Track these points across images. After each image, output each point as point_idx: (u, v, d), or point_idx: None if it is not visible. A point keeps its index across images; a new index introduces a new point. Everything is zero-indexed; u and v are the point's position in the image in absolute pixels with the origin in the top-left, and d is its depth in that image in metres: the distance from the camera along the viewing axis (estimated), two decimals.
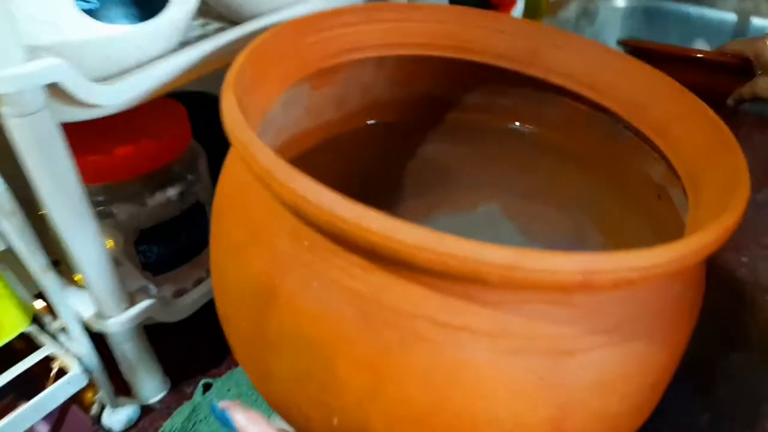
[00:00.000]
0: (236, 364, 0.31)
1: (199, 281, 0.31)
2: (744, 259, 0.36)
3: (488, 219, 0.30)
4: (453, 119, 0.29)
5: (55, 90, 0.19)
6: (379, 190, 0.31)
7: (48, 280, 0.25)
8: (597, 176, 0.26)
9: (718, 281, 0.35)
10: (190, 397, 0.30)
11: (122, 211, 0.27)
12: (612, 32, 0.74)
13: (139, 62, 0.22)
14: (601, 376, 0.16)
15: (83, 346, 0.27)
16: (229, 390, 0.30)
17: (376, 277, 0.15)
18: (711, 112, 0.20)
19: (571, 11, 0.68)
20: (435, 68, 0.27)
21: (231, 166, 0.20)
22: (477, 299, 0.15)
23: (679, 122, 0.20)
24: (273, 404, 0.20)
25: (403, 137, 0.30)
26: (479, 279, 0.14)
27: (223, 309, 0.20)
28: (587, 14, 0.71)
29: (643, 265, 0.14)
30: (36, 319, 0.30)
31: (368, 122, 0.29)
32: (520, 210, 0.29)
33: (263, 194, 0.17)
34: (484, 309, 0.15)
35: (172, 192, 0.27)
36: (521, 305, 0.15)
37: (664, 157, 0.21)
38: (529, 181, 0.29)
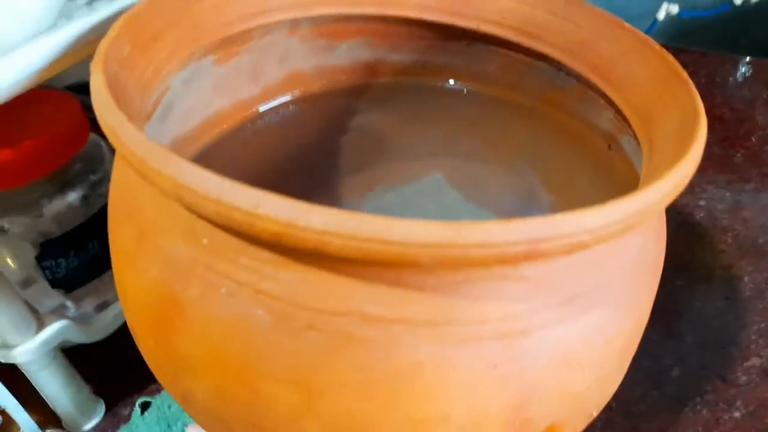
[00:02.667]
0: None
1: None
2: (701, 203, 0.35)
3: (434, 188, 0.27)
4: (384, 84, 0.27)
5: None
6: (313, 170, 0.28)
7: None
8: (543, 130, 0.24)
9: (676, 225, 0.34)
10: (127, 419, 0.27)
11: (16, 224, 0.23)
12: None
13: (13, 41, 0.18)
14: (562, 352, 0.14)
15: None
16: (170, 407, 0.27)
17: (289, 274, 0.13)
18: (656, 45, 0.18)
19: None
20: (357, 28, 0.25)
21: (117, 161, 0.17)
22: (411, 285, 0.13)
23: (623, 61, 0.18)
24: (204, 426, 0.18)
25: (333, 108, 0.27)
26: (409, 263, 0.12)
27: (131, 326, 0.17)
28: None
29: (596, 226, 0.12)
30: None
31: (291, 95, 0.26)
32: (466, 175, 0.27)
33: (149, 189, 0.14)
34: (421, 295, 0.13)
35: (73, 196, 0.24)
36: (463, 286, 0.13)
37: (611, 103, 0.19)
38: (473, 143, 0.26)
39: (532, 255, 0.12)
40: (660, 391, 0.26)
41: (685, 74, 0.16)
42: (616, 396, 0.18)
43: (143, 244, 0.15)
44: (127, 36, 0.17)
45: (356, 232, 0.11)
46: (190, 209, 0.13)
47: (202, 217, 0.13)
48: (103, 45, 0.16)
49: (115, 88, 0.15)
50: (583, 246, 0.13)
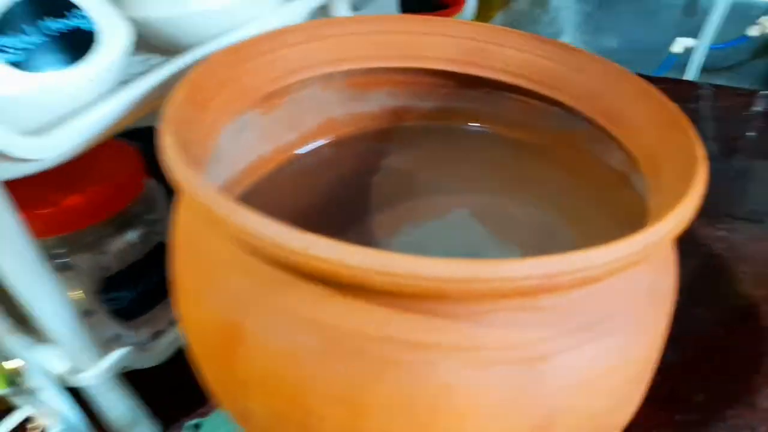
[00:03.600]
0: None
1: (174, 321, 0.30)
2: (720, 233, 0.36)
3: (459, 224, 0.29)
4: (411, 127, 0.29)
5: None
6: (347, 206, 0.30)
7: (13, 342, 0.24)
8: (560, 168, 0.26)
9: (694, 256, 0.35)
10: None
11: (83, 261, 0.26)
12: (567, 16, 0.75)
13: (76, 109, 0.21)
14: (581, 376, 0.16)
15: (61, 404, 0.26)
16: (219, 429, 0.29)
17: (336, 305, 0.15)
18: (658, 94, 0.19)
19: (523, 1, 0.68)
20: (384, 79, 0.27)
21: (179, 208, 0.19)
22: (444, 314, 0.14)
23: (629, 108, 0.20)
24: None
25: (364, 151, 0.29)
26: (439, 295, 0.14)
27: (192, 354, 0.20)
28: (540, 2, 0.71)
29: (604, 261, 0.14)
30: (13, 380, 0.29)
31: (326, 139, 0.28)
32: (490, 211, 0.29)
33: (212, 234, 0.16)
34: (452, 324, 0.15)
35: (132, 235, 0.27)
36: (489, 315, 0.15)
37: (620, 145, 0.21)
38: (495, 181, 0.28)
39: (547, 288, 0.14)
40: (684, 415, 0.27)
41: (685, 120, 0.18)
42: (641, 421, 0.19)
43: (206, 280, 0.17)
44: (188, 99, 0.19)
45: (393, 270, 0.13)
46: (250, 251, 0.15)
47: (259, 257, 0.15)
48: (170, 110, 0.18)
49: (181, 146, 0.17)
50: (593, 280, 0.14)
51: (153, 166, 0.29)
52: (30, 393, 0.28)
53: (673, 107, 0.19)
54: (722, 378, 0.29)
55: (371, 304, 0.14)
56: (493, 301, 0.14)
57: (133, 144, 0.30)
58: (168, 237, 0.25)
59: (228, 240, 0.16)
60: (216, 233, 0.16)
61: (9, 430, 0.27)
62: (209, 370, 0.18)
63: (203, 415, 0.30)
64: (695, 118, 0.18)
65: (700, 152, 0.17)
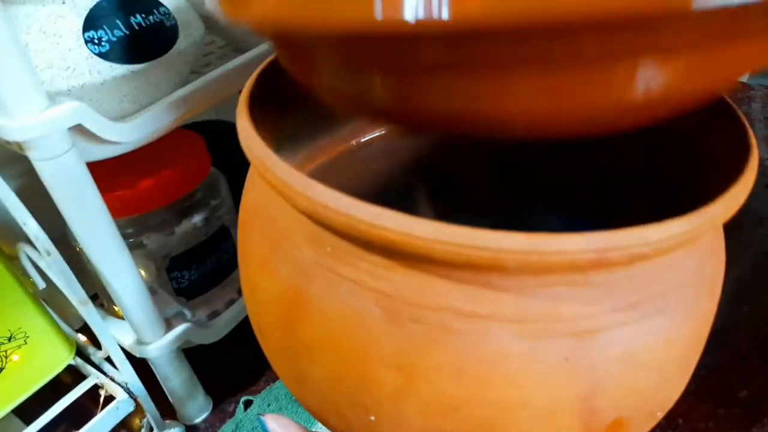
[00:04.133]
0: (274, 380, 0.32)
1: (231, 302, 0.32)
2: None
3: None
4: None
5: (78, 131, 0.21)
6: (395, 196, 0.31)
7: (88, 312, 0.26)
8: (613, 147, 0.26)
9: (744, 255, 0.35)
10: (232, 414, 0.31)
11: (152, 241, 0.28)
12: None
13: (154, 97, 0.23)
14: (626, 352, 0.17)
15: (127, 374, 0.28)
16: (269, 405, 0.30)
17: (398, 275, 0.16)
18: None
19: None
20: None
21: (251, 184, 0.21)
22: (499, 287, 0.15)
23: None
24: (310, 409, 0.21)
25: (415, 142, 0.30)
26: (498, 267, 0.14)
27: (256, 321, 0.21)
28: None
29: (655, 239, 0.14)
30: (80, 352, 0.31)
31: (378, 132, 0.30)
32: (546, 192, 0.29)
33: (284, 207, 0.18)
34: (506, 296, 0.15)
35: (197, 218, 0.29)
36: (542, 289, 0.15)
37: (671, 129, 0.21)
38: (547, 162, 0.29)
39: (598, 263, 0.14)
40: (727, 410, 0.27)
41: (734, 106, 0.19)
42: (684, 413, 0.19)
43: (275, 250, 0.18)
44: (257, 90, 0.21)
45: (456, 239, 0.14)
46: (320, 222, 0.16)
47: (328, 228, 0.16)
48: (243, 96, 0.20)
49: (256, 126, 0.19)
50: (643, 257, 0.15)
51: (216, 156, 0.31)
52: (99, 364, 0.30)
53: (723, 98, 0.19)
54: (765, 373, 0.29)
55: (430, 275, 0.16)
56: (546, 275, 0.15)
57: (200, 134, 0.32)
58: (229, 216, 0.26)
59: (299, 212, 0.17)
60: (285, 206, 0.17)
61: (77, 397, 0.29)
62: (271, 336, 0.20)
63: (254, 393, 0.32)
64: (746, 119, 0.18)
65: (752, 140, 0.18)
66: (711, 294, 0.19)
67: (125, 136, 0.22)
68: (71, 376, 0.31)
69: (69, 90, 0.20)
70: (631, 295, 0.16)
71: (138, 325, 0.26)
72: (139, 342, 0.27)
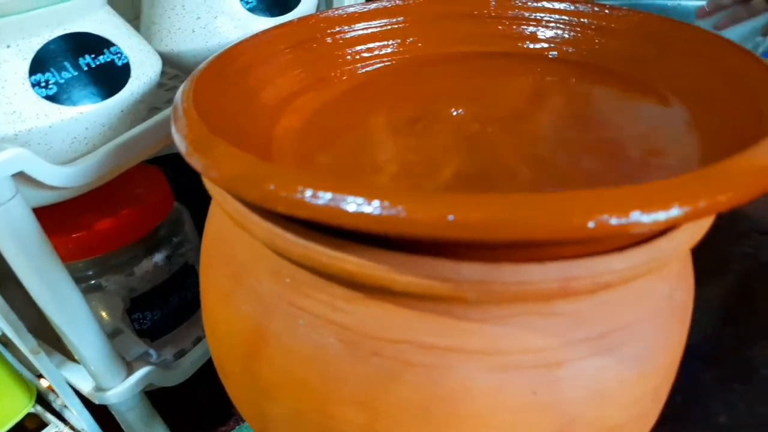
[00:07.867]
0: (243, 420, 0.31)
1: (197, 340, 0.30)
2: (747, 249, 0.36)
3: None
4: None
5: (22, 178, 0.20)
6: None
7: (40, 362, 0.25)
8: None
9: (722, 273, 0.35)
10: None
11: (111, 282, 0.27)
12: None
13: (108, 138, 0.22)
14: (596, 384, 0.16)
15: (86, 422, 0.27)
16: None
17: (359, 307, 0.15)
18: None
19: None
20: None
21: (213, 216, 0.20)
22: (461, 317, 0.15)
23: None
24: None
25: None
26: (457, 297, 0.14)
27: (218, 359, 0.20)
28: None
29: (619, 267, 0.14)
30: (42, 398, 0.30)
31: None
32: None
33: (246, 238, 0.17)
34: (469, 326, 0.15)
35: (158, 257, 0.28)
36: (505, 319, 0.15)
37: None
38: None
39: (562, 293, 0.14)
40: None
41: None
42: None
43: (238, 283, 0.17)
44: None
45: (416, 269, 0.13)
46: (279, 253, 0.16)
47: (287, 258, 0.16)
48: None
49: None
50: (608, 286, 0.15)
51: (179, 190, 0.31)
52: (59, 410, 0.29)
53: None
54: (746, 399, 0.28)
55: (391, 305, 0.15)
56: (510, 304, 0.15)
57: (161, 169, 0.31)
58: (194, 253, 0.26)
59: (259, 245, 0.16)
60: (248, 237, 0.17)
61: None
62: (233, 374, 0.19)
63: None
64: None
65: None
66: (682, 322, 0.18)
67: (72, 180, 0.21)
68: (35, 421, 0.30)
69: (16, 135, 0.20)
70: (600, 324, 0.16)
71: (96, 372, 0.25)
72: (98, 388, 0.26)
